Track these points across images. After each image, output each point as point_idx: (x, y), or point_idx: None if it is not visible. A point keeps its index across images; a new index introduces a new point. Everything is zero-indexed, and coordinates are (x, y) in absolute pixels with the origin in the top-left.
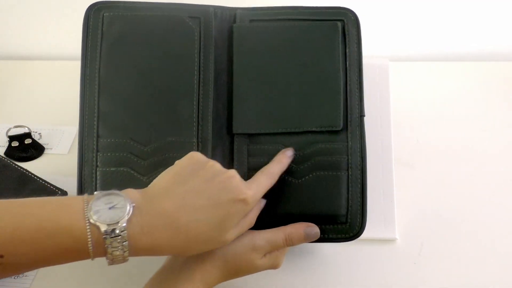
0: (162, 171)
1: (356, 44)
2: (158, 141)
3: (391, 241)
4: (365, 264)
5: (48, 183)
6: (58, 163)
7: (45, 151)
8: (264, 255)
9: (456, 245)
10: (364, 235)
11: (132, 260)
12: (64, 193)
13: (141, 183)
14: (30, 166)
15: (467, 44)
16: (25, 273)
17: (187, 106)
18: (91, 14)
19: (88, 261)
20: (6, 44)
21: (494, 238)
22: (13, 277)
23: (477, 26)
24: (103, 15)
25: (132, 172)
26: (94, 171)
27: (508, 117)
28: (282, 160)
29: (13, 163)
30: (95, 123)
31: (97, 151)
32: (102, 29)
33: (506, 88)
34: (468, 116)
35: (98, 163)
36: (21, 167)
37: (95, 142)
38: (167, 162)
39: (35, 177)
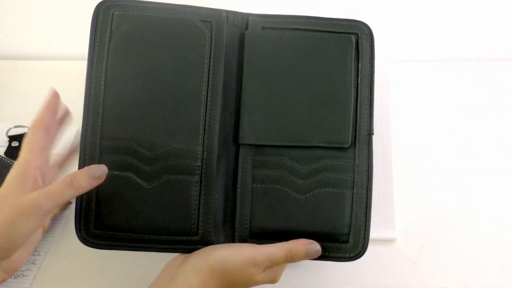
0: (166, 178)
1: (369, 59)
2: (163, 147)
3: (391, 241)
4: (365, 264)
5: None
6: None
7: None
8: (264, 270)
9: (456, 245)
10: None
11: (132, 263)
12: None
13: (143, 189)
14: None
15: (467, 44)
16: (25, 273)
17: (194, 113)
18: (100, 12)
19: (87, 262)
20: (6, 44)
21: (494, 238)
22: (13, 277)
23: (477, 26)
24: (112, 14)
25: (134, 177)
26: None
27: (509, 117)
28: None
29: (13, 163)
30: (99, 124)
31: (100, 153)
32: (111, 28)
33: (506, 88)
34: (468, 116)
35: None
36: None
37: (98, 144)
38: (171, 169)
39: None
